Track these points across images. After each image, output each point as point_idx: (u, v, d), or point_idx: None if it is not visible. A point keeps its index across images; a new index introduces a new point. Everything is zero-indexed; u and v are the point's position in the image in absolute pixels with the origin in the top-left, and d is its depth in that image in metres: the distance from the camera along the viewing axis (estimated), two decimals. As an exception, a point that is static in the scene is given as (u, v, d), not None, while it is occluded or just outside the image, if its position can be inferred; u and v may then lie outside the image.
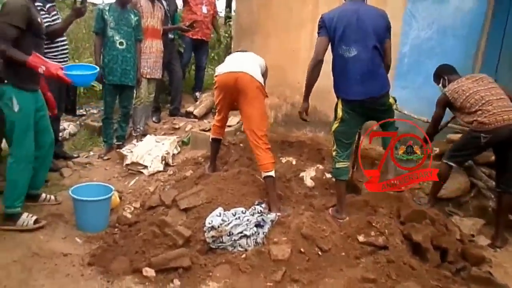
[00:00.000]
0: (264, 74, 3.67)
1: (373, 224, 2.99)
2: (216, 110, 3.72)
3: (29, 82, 3.00)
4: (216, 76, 3.49)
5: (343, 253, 2.83)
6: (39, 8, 3.56)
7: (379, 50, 2.92)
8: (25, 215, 3.07)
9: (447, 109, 3.52)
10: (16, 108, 2.93)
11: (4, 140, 3.36)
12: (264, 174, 3.30)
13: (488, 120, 3.18)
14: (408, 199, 3.38)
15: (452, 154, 3.43)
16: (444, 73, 3.61)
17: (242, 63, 3.41)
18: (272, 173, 3.29)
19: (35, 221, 3.08)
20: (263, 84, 3.42)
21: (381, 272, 2.64)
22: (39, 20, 2.99)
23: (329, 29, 2.90)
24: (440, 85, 3.63)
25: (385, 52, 2.98)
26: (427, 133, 3.47)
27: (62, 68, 2.93)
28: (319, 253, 2.82)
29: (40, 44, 3.11)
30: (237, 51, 3.80)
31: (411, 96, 4.26)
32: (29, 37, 2.90)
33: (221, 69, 3.46)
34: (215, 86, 3.53)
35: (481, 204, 3.68)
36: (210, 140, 3.83)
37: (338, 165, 3.15)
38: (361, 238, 2.94)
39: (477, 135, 3.24)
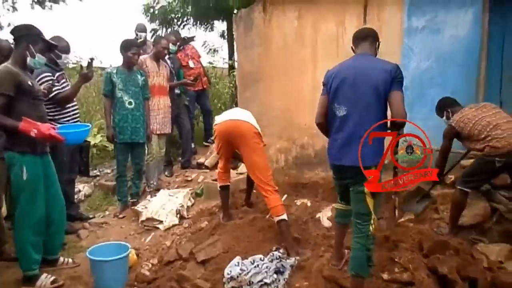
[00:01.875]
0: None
1: (396, 260, 2.91)
2: (218, 158, 3.86)
3: (36, 145, 3.04)
4: (215, 125, 3.64)
5: (368, 293, 2.74)
6: (48, 77, 3.73)
7: (375, 113, 2.52)
8: (43, 276, 3.11)
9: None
10: (25, 176, 2.98)
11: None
12: (276, 219, 3.28)
13: (500, 144, 3.18)
14: (429, 231, 3.30)
15: (465, 180, 3.40)
16: (447, 106, 3.66)
17: (239, 113, 3.63)
18: (285, 216, 3.27)
19: (53, 281, 3.10)
20: (260, 132, 3.54)
21: (410, 310, 2.54)
22: (29, 83, 3.03)
23: (327, 86, 2.67)
24: (444, 117, 3.66)
25: (392, 105, 2.51)
26: (436, 166, 3.45)
27: (54, 128, 2.98)
28: (344, 294, 2.74)
29: (37, 104, 3.13)
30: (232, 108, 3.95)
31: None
32: (24, 101, 2.97)
33: (220, 119, 3.63)
34: (214, 136, 3.69)
35: (505, 228, 3.57)
36: (219, 188, 3.87)
37: (335, 205, 3.10)
38: (385, 276, 2.85)
39: (491, 160, 3.23)
